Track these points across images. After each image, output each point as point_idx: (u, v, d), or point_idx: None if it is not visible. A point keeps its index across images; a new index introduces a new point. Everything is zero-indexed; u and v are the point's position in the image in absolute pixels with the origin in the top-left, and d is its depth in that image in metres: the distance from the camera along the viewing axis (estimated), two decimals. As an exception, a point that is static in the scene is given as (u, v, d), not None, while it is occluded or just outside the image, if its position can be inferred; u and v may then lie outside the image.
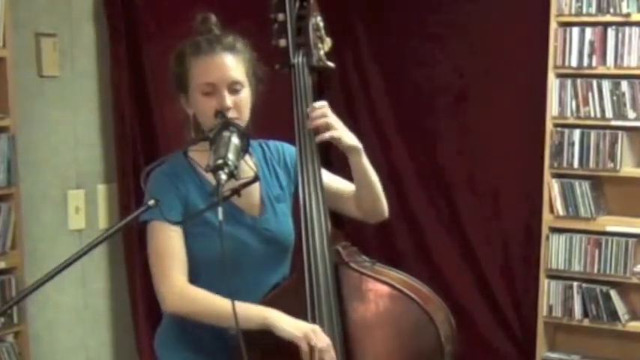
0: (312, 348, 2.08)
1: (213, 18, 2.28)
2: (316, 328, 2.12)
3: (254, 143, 2.33)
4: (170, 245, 2.21)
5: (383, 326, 2.20)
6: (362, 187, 2.35)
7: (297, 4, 2.30)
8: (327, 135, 2.23)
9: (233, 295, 1.92)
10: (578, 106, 4.28)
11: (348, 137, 2.27)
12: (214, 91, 2.19)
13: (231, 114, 2.17)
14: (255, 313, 2.13)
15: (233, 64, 2.22)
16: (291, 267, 2.37)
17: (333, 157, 2.77)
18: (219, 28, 2.27)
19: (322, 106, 2.25)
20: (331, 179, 2.40)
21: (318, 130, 2.24)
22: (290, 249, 2.36)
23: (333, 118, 2.25)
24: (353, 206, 2.40)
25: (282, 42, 2.29)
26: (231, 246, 2.13)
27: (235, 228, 2.21)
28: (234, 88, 2.21)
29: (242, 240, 2.24)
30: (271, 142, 2.42)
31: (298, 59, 2.28)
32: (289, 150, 2.38)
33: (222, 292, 2.15)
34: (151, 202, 1.91)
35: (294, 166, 2.35)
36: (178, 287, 2.19)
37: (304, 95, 2.27)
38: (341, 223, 2.64)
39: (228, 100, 2.18)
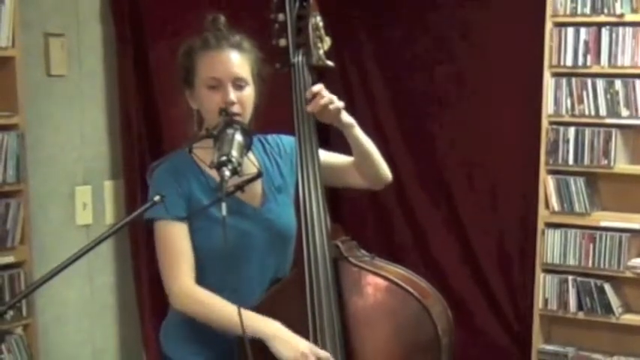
0: None
1: (222, 18, 2.32)
2: (312, 347, 2.15)
3: (254, 139, 2.40)
4: (177, 245, 2.24)
5: (381, 320, 2.22)
6: (362, 157, 2.39)
7: (297, 4, 2.31)
8: (326, 106, 2.25)
9: (239, 286, 1.94)
10: (573, 105, 4.29)
11: (344, 114, 2.31)
12: (219, 86, 2.23)
13: (234, 109, 2.20)
14: (256, 327, 2.13)
15: (238, 61, 2.25)
16: (292, 261, 2.39)
17: (332, 142, 2.82)
18: (228, 28, 2.31)
19: (321, 89, 2.26)
20: (331, 156, 2.43)
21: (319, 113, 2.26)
22: (292, 239, 2.38)
23: (333, 97, 2.28)
24: (357, 176, 2.43)
25: (282, 42, 2.30)
26: (234, 237, 2.16)
27: (237, 219, 2.22)
28: (238, 84, 2.24)
29: (244, 230, 2.27)
30: (269, 136, 2.45)
31: (298, 59, 2.29)
32: (288, 140, 2.42)
33: (229, 284, 2.19)
34: (157, 198, 1.94)
35: (294, 155, 2.37)
36: (185, 289, 2.23)
37: (304, 94, 2.28)
38: (340, 217, 2.68)
39: (232, 95, 2.22)
